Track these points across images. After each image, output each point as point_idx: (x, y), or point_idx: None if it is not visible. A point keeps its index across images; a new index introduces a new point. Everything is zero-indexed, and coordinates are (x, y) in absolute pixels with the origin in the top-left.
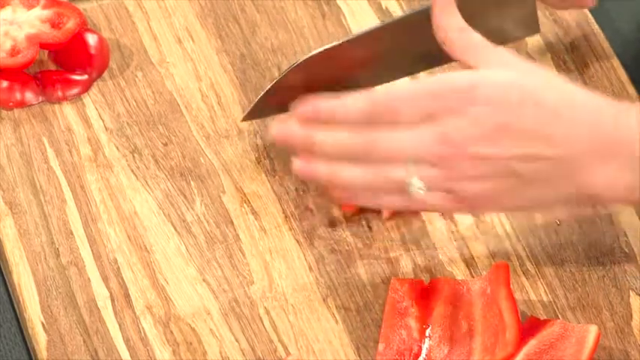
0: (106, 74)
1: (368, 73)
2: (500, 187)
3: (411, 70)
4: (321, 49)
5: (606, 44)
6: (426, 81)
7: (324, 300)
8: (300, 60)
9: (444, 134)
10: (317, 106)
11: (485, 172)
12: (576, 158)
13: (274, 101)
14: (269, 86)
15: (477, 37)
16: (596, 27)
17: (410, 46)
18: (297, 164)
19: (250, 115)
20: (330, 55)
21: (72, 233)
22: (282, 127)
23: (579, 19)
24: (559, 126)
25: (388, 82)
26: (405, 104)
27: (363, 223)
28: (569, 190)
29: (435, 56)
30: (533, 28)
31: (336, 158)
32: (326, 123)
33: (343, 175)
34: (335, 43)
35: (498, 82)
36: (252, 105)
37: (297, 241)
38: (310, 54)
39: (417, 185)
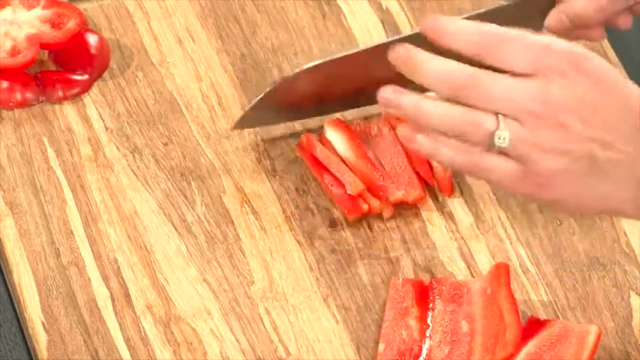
0: (106, 74)
1: (355, 92)
2: (572, 169)
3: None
4: (315, 63)
5: (606, 43)
6: (539, 36)
7: (324, 300)
8: (292, 73)
9: (544, 92)
10: (436, 22)
11: (564, 147)
12: None
13: (267, 110)
14: (257, 98)
15: None
16: None
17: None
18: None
19: (241, 124)
20: (324, 68)
21: (72, 233)
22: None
23: None
24: (637, 125)
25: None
26: (515, 48)
27: (364, 223)
28: (631, 192)
29: None
30: None
31: (437, 89)
32: (434, 49)
33: (430, 108)
34: (336, 55)
35: (603, 63)
36: (242, 114)
37: (298, 241)
38: (306, 66)
39: (502, 136)
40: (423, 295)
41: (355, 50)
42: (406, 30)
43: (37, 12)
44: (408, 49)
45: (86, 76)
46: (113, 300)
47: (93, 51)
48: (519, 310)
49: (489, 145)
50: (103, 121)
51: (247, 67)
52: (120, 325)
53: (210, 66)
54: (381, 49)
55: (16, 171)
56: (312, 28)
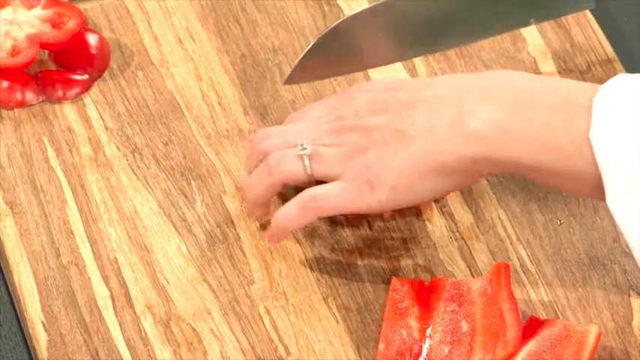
0: (106, 74)
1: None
2: (372, 151)
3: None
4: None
5: (607, 44)
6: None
7: (324, 300)
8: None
9: (338, 115)
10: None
11: (365, 139)
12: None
13: (313, 67)
14: (307, 49)
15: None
16: (596, 26)
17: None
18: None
19: (291, 79)
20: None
21: (72, 233)
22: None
23: (579, 18)
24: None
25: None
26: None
27: (364, 222)
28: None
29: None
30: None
31: None
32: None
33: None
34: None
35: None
36: (292, 69)
37: (298, 241)
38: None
39: (304, 146)
40: (423, 294)
41: None
42: None
43: (38, 12)
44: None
45: (86, 76)
46: (113, 300)
47: (93, 51)
48: (519, 309)
49: (303, 168)
50: (103, 120)
51: (247, 66)
52: (120, 324)
53: (211, 66)
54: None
55: (16, 171)
56: (313, 28)
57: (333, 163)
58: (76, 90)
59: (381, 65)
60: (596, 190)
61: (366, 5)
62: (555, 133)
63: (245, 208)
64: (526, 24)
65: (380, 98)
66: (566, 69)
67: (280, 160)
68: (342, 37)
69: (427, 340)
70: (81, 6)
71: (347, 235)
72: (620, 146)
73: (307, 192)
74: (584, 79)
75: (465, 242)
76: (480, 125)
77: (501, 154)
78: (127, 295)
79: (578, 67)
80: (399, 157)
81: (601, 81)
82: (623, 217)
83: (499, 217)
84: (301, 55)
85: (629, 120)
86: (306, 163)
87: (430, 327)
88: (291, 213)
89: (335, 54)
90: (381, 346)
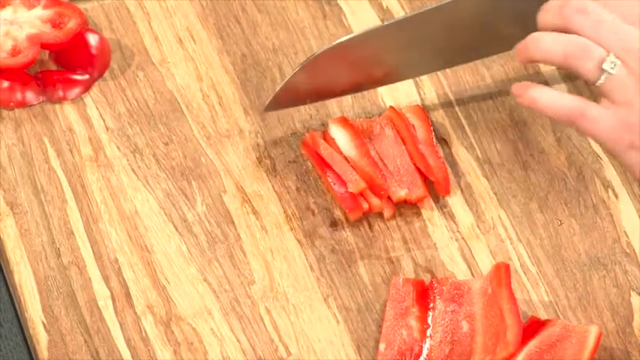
0: (107, 74)
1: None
2: None
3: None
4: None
5: None
6: None
7: (325, 300)
8: (317, 53)
9: None
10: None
11: None
12: None
13: (297, 90)
14: (287, 79)
15: None
16: None
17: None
18: None
19: (271, 106)
20: (343, 49)
21: (73, 233)
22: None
23: None
24: None
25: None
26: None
27: (364, 223)
28: None
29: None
30: None
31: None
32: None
33: (542, 36)
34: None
35: None
36: (272, 96)
37: (298, 241)
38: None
39: (613, 62)
40: (423, 295)
41: (386, 23)
42: None
43: (38, 12)
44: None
45: (87, 76)
46: (114, 300)
47: (93, 51)
48: (520, 309)
49: (596, 76)
50: (104, 120)
51: (248, 67)
52: (120, 325)
53: (211, 66)
54: (417, 19)
55: (17, 171)
56: (313, 28)
57: (628, 90)
58: (76, 90)
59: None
60: None
61: (366, 5)
62: None
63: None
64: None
65: None
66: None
67: (580, 54)
68: (321, 68)
69: (428, 340)
70: (81, 6)
71: (347, 235)
72: None
73: (582, 105)
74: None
75: (466, 242)
76: None
77: None
78: (128, 295)
79: None
80: None
81: None
82: None
83: (499, 218)
84: (283, 82)
85: None
86: (602, 78)
87: (431, 327)
88: (556, 101)
89: (314, 83)
90: (382, 346)
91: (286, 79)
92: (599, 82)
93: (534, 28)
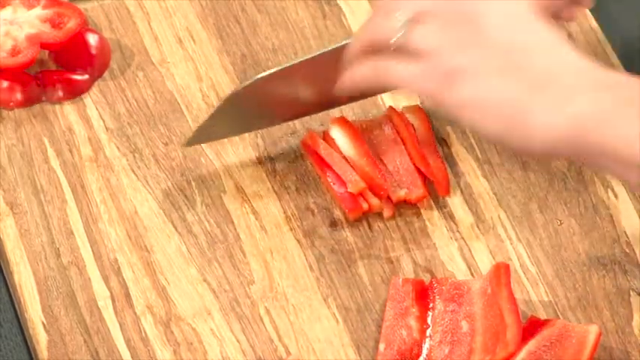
0: (106, 74)
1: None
2: (479, 66)
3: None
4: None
5: (607, 44)
6: None
7: (324, 300)
8: (242, 85)
9: None
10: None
11: (475, 41)
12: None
13: (221, 123)
14: (209, 114)
15: None
16: (595, 25)
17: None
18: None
19: (193, 141)
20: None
21: (72, 233)
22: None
23: (580, 18)
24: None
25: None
26: None
27: (364, 223)
28: (540, 95)
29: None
30: None
31: None
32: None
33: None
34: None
35: None
36: (194, 131)
37: (298, 241)
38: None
39: (400, 18)
40: (423, 294)
41: (300, 59)
42: None
43: (38, 12)
44: None
45: (86, 76)
46: (113, 300)
47: (93, 51)
48: (519, 309)
49: (396, 38)
50: (104, 121)
51: (247, 67)
52: (120, 325)
53: (211, 66)
54: (329, 56)
55: (17, 171)
56: (313, 28)
57: (430, 41)
58: (76, 90)
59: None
60: None
61: (365, 5)
62: None
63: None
64: None
65: None
66: None
67: (383, 17)
68: (245, 100)
69: (427, 340)
70: (81, 6)
71: (346, 235)
72: None
73: (386, 64)
74: None
75: (465, 242)
76: None
77: None
78: (127, 296)
79: None
80: (504, 94)
81: None
82: None
83: (499, 218)
84: (206, 118)
85: None
86: (400, 34)
87: (430, 327)
88: (367, 74)
89: (239, 116)
90: (381, 346)
91: (206, 117)
92: (400, 36)
93: None
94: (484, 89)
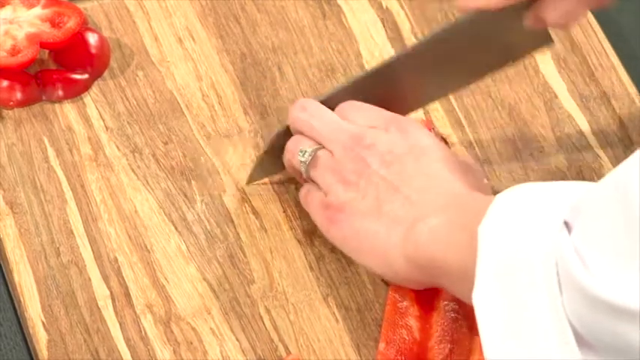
0: (106, 74)
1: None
2: (358, 204)
3: None
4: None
5: (606, 43)
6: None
7: (324, 299)
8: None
9: (360, 132)
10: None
11: (356, 180)
12: (422, 209)
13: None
14: (264, 147)
15: None
16: (596, 25)
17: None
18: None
19: (253, 177)
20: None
21: (72, 232)
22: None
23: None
24: (426, 183)
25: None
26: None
27: None
28: (398, 239)
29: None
30: (546, 39)
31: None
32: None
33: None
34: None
35: (421, 128)
36: (253, 165)
37: (298, 240)
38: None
39: (304, 151)
40: (423, 294)
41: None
42: (405, 27)
43: (37, 11)
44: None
45: (86, 76)
46: (113, 299)
47: (93, 50)
48: None
49: (302, 167)
50: (104, 120)
51: (247, 66)
52: (120, 324)
53: (211, 65)
54: (387, 69)
55: (17, 170)
56: (313, 28)
57: (325, 177)
58: (76, 89)
59: None
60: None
61: (366, 5)
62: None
63: None
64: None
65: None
66: (566, 68)
67: (293, 149)
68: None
69: (427, 339)
70: (81, 5)
71: None
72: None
73: (307, 189)
74: (584, 79)
75: None
76: None
77: None
78: (127, 295)
79: (578, 67)
80: (371, 230)
81: (600, 81)
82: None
83: None
84: (263, 150)
85: (510, 217)
86: (303, 166)
87: (430, 327)
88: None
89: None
90: (381, 345)
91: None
92: (303, 168)
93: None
94: (358, 228)
